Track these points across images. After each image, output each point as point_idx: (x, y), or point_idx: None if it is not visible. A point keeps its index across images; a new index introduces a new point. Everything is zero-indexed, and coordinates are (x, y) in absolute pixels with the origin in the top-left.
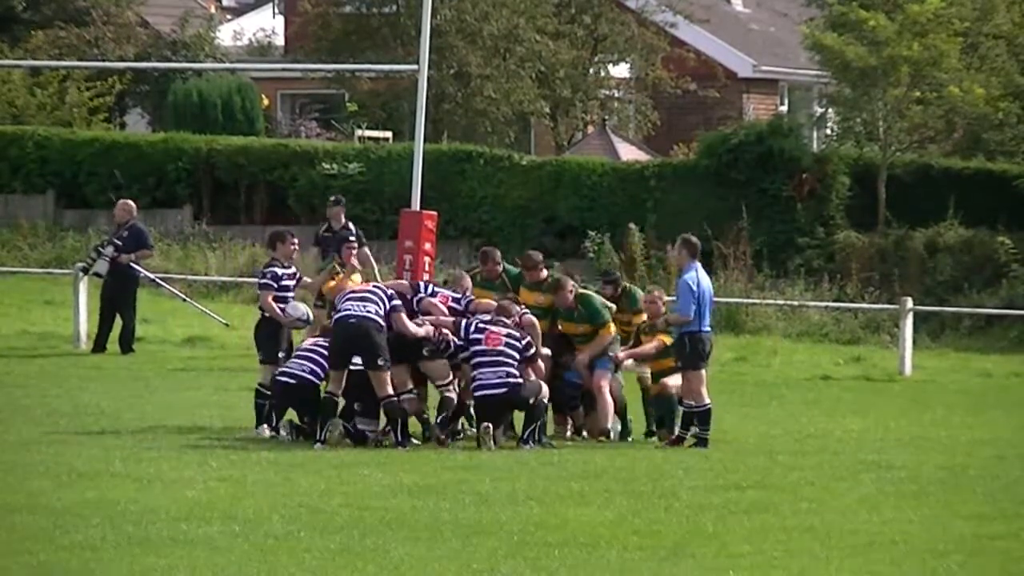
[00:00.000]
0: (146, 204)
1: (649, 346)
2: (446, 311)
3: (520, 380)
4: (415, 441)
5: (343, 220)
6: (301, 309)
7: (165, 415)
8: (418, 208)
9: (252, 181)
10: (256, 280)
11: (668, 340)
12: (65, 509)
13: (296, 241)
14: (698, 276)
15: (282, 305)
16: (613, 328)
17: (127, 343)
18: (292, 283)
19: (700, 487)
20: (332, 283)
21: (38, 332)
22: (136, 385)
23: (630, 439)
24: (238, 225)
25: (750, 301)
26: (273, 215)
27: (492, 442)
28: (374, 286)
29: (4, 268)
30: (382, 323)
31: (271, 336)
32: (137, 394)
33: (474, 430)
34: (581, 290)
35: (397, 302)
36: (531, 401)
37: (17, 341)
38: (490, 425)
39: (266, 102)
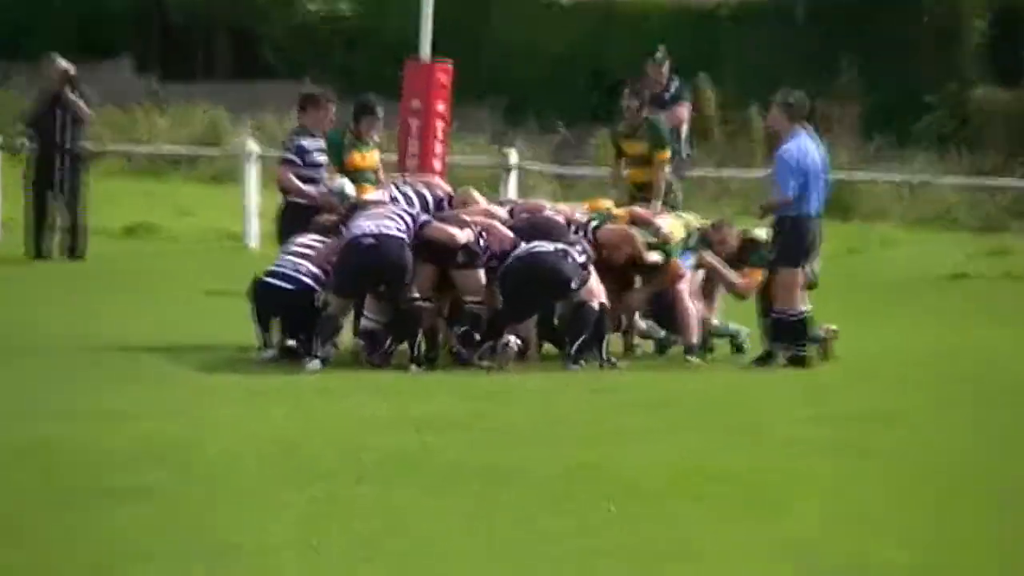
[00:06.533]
0: (74, 52)
1: (738, 277)
2: (485, 201)
3: (563, 256)
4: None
5: (665, 80)
6: (338, 182)
7: (101, 330)
8: (428, 58)
9: (212, 26)
10: (279, 155)
11: (760, 277)
12: None
13: (333, 107)
14: (800, 146)
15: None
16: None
17: (79, 247)
18: (325, 158)
19: (797, 419)
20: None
21: None
22: (67, 292)
23: (710, 357)
24: (195, 83)
25: (859, 178)
26: (241, 70)
27: (509, 350)
28: (395, 209)
29: None
30: (405, 239)
31: (298, 228)
32: (68, 303)
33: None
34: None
35: (426, 217)
36: (572, 285)
37: None
38: (511, 338)
39: None
